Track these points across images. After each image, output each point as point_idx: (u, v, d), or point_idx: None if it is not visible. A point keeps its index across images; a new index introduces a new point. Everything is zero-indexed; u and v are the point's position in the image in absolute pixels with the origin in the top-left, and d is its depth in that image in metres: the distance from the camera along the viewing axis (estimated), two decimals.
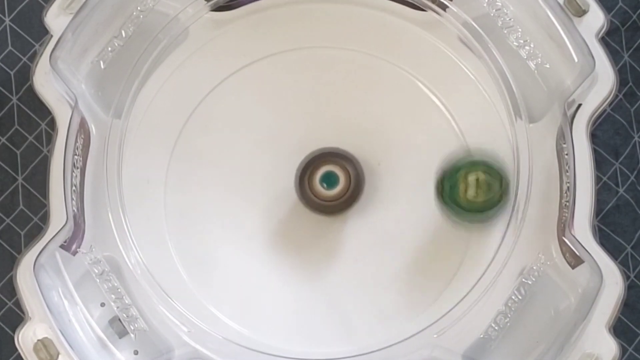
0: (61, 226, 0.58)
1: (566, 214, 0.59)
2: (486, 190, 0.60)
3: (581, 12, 0.60)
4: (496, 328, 0.59)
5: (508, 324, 0.59)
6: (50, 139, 0.64)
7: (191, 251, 0.63)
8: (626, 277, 0.62)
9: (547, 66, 0.61)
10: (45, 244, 0.58)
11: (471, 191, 0.60)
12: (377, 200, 0.63)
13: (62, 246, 0.59)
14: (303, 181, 0.62)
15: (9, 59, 0.70)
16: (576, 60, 0.59)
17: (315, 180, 0.61)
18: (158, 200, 0.63)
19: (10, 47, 0.70)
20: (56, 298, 0.58)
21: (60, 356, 0.57)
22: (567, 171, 0.59)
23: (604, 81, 0.60)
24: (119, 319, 0.60)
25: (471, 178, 0.61)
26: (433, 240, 0.62)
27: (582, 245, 0.58)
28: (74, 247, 0.60)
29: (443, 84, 0.63)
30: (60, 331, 0.57)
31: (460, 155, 0.62)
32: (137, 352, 0.60)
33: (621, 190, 0.70)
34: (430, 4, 0.63)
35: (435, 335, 0.60)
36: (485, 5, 0.61)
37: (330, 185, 0.61)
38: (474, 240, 0.62)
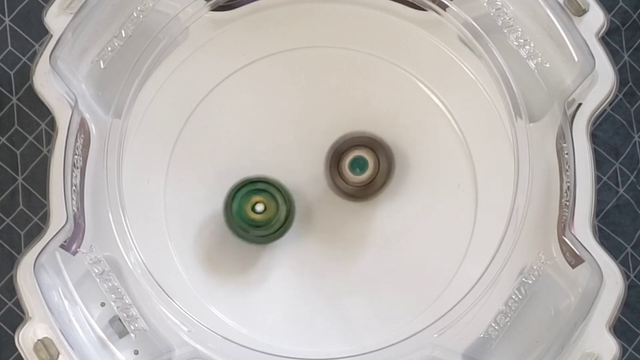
0: (61, 226, 0.58)
1: (566, 214, 0.59)
2: (272, 206, 0.61)
3: (581, 12, 0.60)
4: (496, 327, 0.59)
5: (508, 323, 0.59)
6: (50, 139, 0.64)
7: (191, 251, 0.63)
8: (626, 277, 0.62)
9: (547, 65, 0.61)
10: (45, 244, 0.58)
11: (259, 207, 0.61)
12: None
13: (62, 246, 0.59)
14: (333, 168, 0.62)
15: (9, 59, 0.70)
16: (576, 59, 0.59)
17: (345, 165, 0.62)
18: (158, 200, 0.63)
19: (10, 47, 0.70)
20: (56, 298, 0.58)
21: (60, 356, 0.57)
22: (567, 171, 0.59)
23: (604, 81, 0.60)
24: (119, 319, 0.59)
25: (257, 196, 0.61)
26: (432, 240, 0.63)
27: (582, 245, 0.58)
28: (74, 247, 0.60)
29: (443, 84, 0.63)
30: (61, 331, 0.57)
31: (245, 178, 0.62)
32: (137, 352, 0.60)
33: (621, 190, 0.70)
34: (430, 3, 0.63)
35: (435, 335, 0.60)
36: (485, 4, 0.61)
37: (360, 169, 0.62)
38: (474, 239, 0.62)
